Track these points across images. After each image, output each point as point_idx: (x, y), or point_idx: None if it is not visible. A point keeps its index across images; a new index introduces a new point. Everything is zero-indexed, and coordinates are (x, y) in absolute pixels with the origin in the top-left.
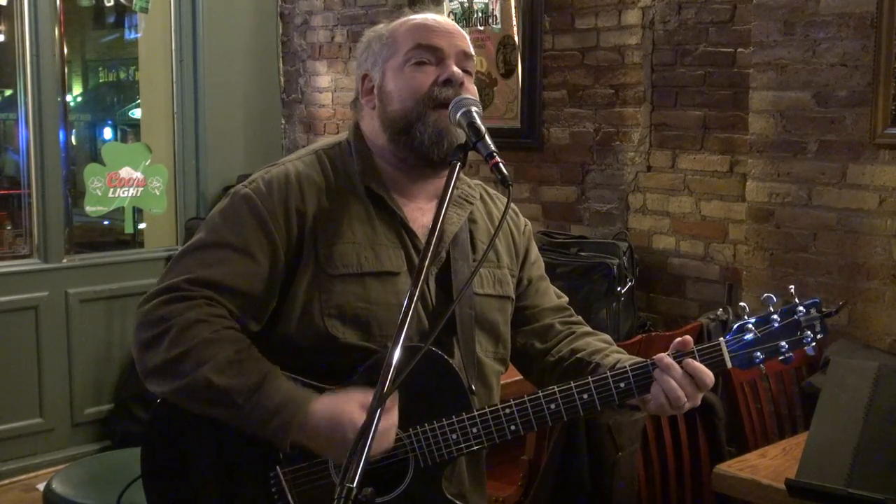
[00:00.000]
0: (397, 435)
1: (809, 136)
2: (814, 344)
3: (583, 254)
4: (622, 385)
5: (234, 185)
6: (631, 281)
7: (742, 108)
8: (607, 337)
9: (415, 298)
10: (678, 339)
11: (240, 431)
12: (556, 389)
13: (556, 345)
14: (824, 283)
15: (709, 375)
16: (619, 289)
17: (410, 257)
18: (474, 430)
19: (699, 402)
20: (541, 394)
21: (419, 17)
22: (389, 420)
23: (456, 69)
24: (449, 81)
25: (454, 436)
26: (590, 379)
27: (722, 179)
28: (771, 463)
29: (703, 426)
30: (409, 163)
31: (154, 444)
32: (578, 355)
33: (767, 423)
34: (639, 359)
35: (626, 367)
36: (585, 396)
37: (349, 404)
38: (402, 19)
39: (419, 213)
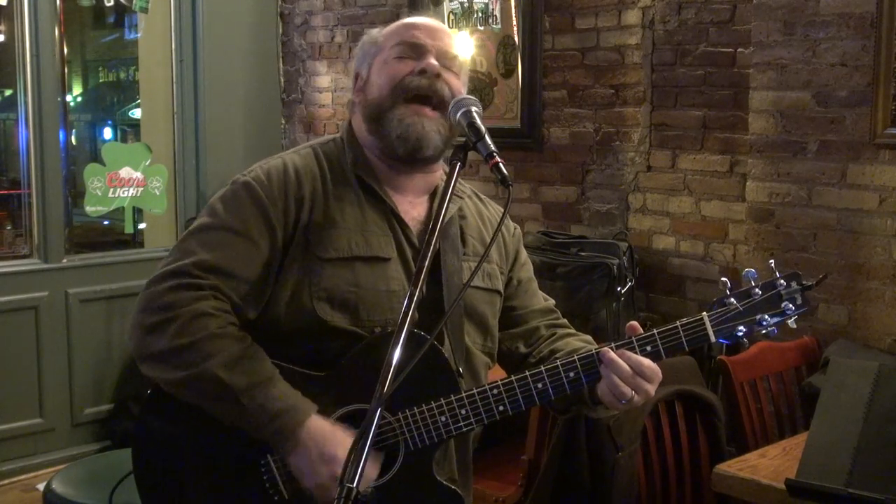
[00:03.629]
0: (386, 419)
1: (809, 136)
2: (795, 317)
3: (583, 254)
4: (571, 375)
5: None
6: (631, 281)
7: (742, 108)
8: (588, 337)
9: (415, 298)
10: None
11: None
12: (543, 369)
13: (538, 347)
14: (824, 282)
15: (650, 367)
16: (619, 289)
17: (401, 245)
18: (463, 411)
19: (652, 394)
20: (528, 374)
21: (409, 19)
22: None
23: (433, 61)
24: (424, 71)
25: (443, 418)
26: (557, 363)
27: (722, 179)
28: (771, 463)
29: (703, 426)
30: (389, 155)
31: (145, 439)
32: (557, 356)
33: (767, 423)
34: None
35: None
36: (572, 374)
37: (339, 449)
38: (395, 23)
39: (409, 206)
